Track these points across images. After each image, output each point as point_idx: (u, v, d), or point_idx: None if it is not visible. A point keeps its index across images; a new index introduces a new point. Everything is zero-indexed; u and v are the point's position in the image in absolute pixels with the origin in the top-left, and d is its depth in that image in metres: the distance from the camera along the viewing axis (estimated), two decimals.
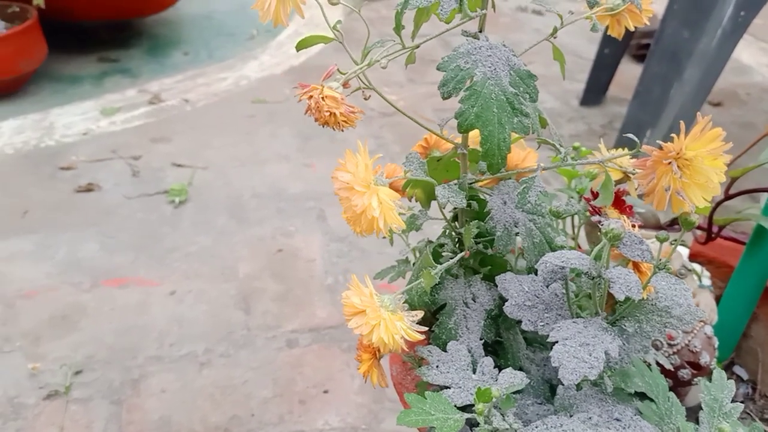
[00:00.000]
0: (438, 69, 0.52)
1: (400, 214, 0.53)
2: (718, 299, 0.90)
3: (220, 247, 1.53)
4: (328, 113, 0.49)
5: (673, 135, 0.48)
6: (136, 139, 1.91)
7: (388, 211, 0.52)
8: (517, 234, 0.57)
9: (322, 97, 0.49)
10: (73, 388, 1.18)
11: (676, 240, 0.55)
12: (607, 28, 0.62)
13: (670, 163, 0.48)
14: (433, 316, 0.61)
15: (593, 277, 0.49)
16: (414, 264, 0.67)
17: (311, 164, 1.86)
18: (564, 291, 0.56)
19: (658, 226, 0.91)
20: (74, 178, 1.73)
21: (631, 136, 0.50)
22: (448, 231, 0.62)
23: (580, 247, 0.68)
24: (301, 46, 0.59)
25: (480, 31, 0.54)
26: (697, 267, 0.88)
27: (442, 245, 0.65)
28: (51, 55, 2.16)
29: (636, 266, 0.54)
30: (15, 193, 1.67)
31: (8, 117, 1.98)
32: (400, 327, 0.52)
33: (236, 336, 1.31)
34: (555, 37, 0.65)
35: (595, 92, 2.23)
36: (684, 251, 0.94)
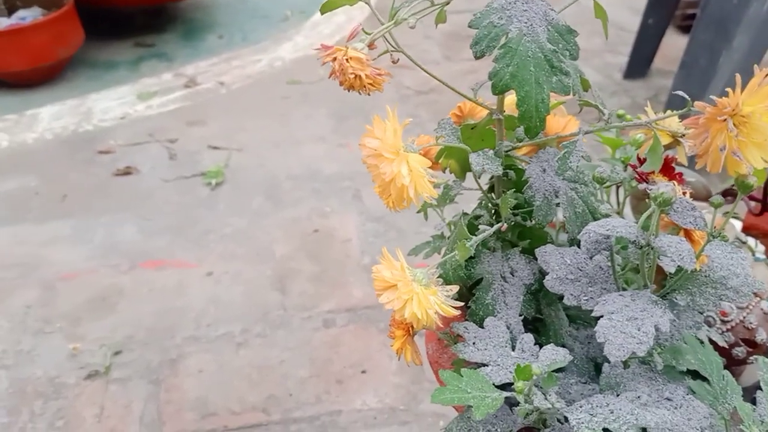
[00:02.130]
0: (470, 26, 0.49)
1: (431, 183, 0.50)
2: None
3: (256, 228, 1.53)
4: (353, 75, 0.46)
5: (728, 89, 0.43)
6: (173, 122, 1.92)
7: (418, 179, 0.49)
8: (557, 204, 0.54)
9: (347, 59, 0.46)
10: (112, 368, 1.19)
11: (730, 209, 0.51)
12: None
13: (725, 120, 0.44)
14: (469, 291, 0.58)
15: (641, 247, 0.45)
16: (449, 238, 0.64)
17: (346, 144, 1.84)
18: (609, 263, 0.52)
19: (708, 198, 0.86)
20: (112, 162, 1.74)
21: (681, 93, 0.46)
22: (484, 202, 0.59)
23: None
24: (325, 9, 0.56)
25: None
26: (750, 240, 0.83)
27: (477, 217, 0.62)
28: (87, 41, 2.18)
29: (688, 234, 0.50)
30: (54, 177, 1.69)
31: (47, 103, 2.01)
32: (434, 302, 0.50)
33: (272, 316, 1.30)
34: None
35: (639, 65, 2.14)
36: (737, 224, 0.89)
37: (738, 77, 0.43)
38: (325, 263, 1.43)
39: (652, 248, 0.45)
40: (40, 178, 1.69)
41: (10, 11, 2.05)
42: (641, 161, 0.59)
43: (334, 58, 0.47)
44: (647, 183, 0.57)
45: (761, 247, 0.85)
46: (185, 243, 1.48)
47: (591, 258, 0.50)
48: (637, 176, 0.56)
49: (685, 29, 2.43)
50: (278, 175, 1.71)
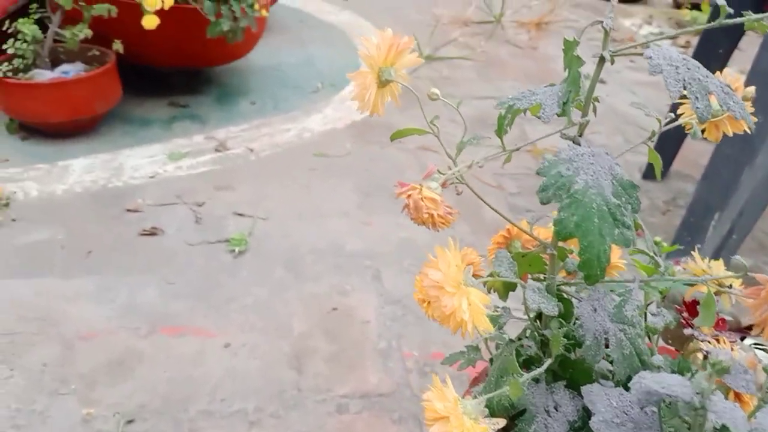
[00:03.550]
0: (538, 173, 0.51)
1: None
2: None
3: (276, 300, 1.54)
4: (427, 214, 0.49)
5: None
6: (201, 185, 1.95)
7: (477, 315, 0.50)
8: (606, 345, 0.55)
9: (422, 198, 0.49)
10: None
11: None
12: (677, 104, 0.62)
13: None
14: (511, 420, 0.59)
15: (695, 408, 0.46)
16: (491, 360, 0.65)
17: (370, 222, 1.86)
18: (655, 410, 0.53)
19: (739, 329, 0.87)
20: (139, 220, 1.77)
21: (739, 258, 0.48)
22: (531, 332, 0.60)
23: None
24: (395, 137, 0.59)
25: (580, 136, 0.54)
26: None
27: (521, 343, 0.63)
28: (124, 97, 2.24)
29: (738, 395, 0.51)
30: (81, 232, 1.72)
31: (80, 155, 2.06)
32: None
33: (287, 396, 1.29)
34: (653, 141, 0.64)
35: None
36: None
37: None
38: (342, 343, 1.43)
39: (706, 410, 0.46)
40: (67, 232, 1.71)
41: (54, 64, 2.12)
42: (687, 305, 0.60)
43: (409, 196, 0.49)
44: (692, 328, 0.59)
45: None
46: (206, 310, 1.49)
47: (642, 408, 0.51)
48: (683, 321, 0.58)
49: None
50: (301, 248, 1.73)
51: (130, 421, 1.21)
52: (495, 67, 3.07)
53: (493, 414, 0.56)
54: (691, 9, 4.00)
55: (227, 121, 2.34)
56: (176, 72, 2.52)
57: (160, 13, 1.94)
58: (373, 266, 1.68)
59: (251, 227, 1.78)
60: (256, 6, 2.18)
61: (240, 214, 1.84)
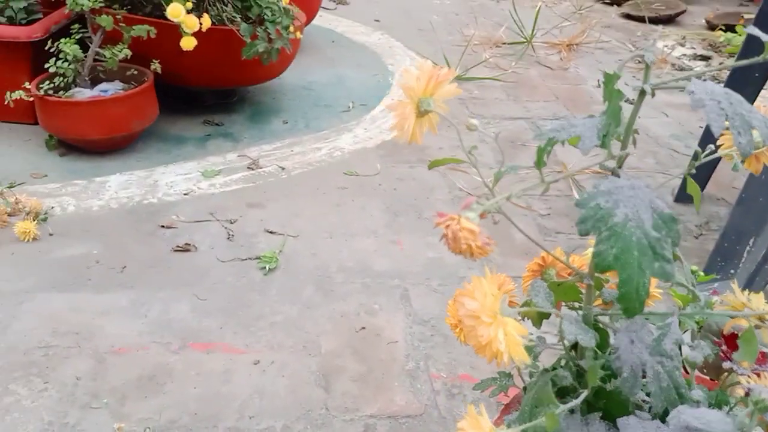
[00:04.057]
0: (576, 206, 0.51)
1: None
2: None
3: (305, 319, 1.54)
4: (465, 245, 0.49)
5: None
6: (233, 202, 1.98)
7: (513, 346, 0.50)
8: (643, 377, 0.55)
9: (460, 229, 0.49)
10: None
11: None
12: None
13: None
14: None
15: None
16: (524, 389, 0.65)
17: (398, 241, 1.87)
18: None
19: None
20: (173, 236, 1.80)
21: None
22: (566, 362, 0.60)
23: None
24: (433, 165, 0.60)
25: (619, 168, 0.54)
26: None
27: (555, 372, 0.63)
28: (160, 115, 2.29)
29: None
30: (116, 247, 1.75)
31: (116, 172, 2.10)
32: None
33: (314, 415, 1.30)
34: (694, 173, 0.63)
35: None
36: None
37: None
38: (370, 363, 1.43)
39: None
40: (102, 247, 1.75)
41: (93, 83, 2.18)
42: (726, 338, 0.59)
43: (448, 226, 0.50)
44: (731, 361, 0.58)
45: None
46: (236, 327, 1.50)
47: None
48: (722, 355, 0.57)
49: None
50: (330, 266, 1.74)
51: None
52: (525, 88, 3.07)
53: None
54: (725, 31, 3.96)
55: (260, 140, 2.38)
56: (210, 91, 2.56)
57: (197, 34, 1.98)
58: (402, 286, 1.68)
59: (282, 245, 1.80)
60: (291, 28, 2.22)
61: (271, 232, 1.86)
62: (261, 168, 2.18)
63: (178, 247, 1.75)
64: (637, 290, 0.49)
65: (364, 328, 1.54)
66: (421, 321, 1.57)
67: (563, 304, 0.67)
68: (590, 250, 0.67)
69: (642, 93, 0.51)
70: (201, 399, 1.31)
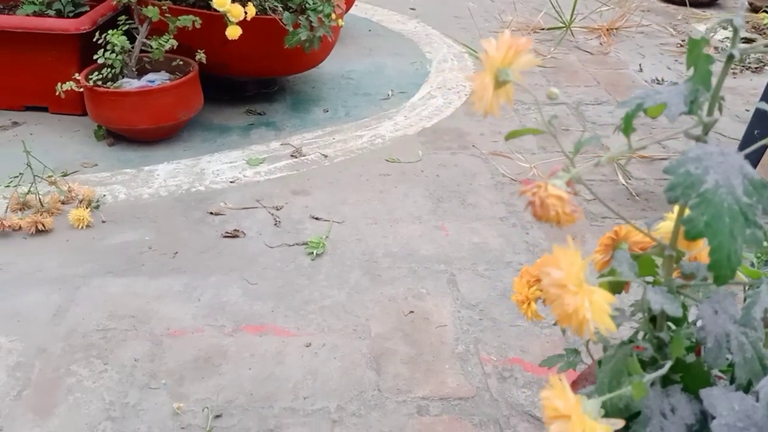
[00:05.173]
0: (665, 172, 0.51)
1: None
2: None
3: (354, 303, 1.56)
4: (554, 212, 0.49)
5: None
6: (279, 190, 2.00)
7: (600, 314, 0.50)
8: (728, 348, 0.54)
9: (548, 196, 0.49)
10: None
11: None
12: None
13: None
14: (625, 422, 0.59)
15: None
16: (599, 362, 0.64)
17: (442, 227, 1.87)
18: None
19: None
20: (221, 223, 1.83)
21: None
22: (645, 334, 0.60)
23: None
24: (510, 136, 0.60)
25: (705, 134, 0.53)
26: None
27: (631, 341, 0.63)
28: (204, 105, 2.32)
29: None
30: (167, 233, 1.78)
31: (163, 161, 2.14)
32: None
33: (367, 396, 1.31)
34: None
35: None
36: None
37: None
38: (420, 347, 1.44)
39: None
40: (154, 233, 1.78)
41: (140, 74, 2.21)
42: None
43: (534, 193, 0.50)
44: None
45: None
46: (286, 310, 1.52)
47: None
48: None
49: None
50: (376, 252, 1.75)
51: (218, 416, 1.25)
52: (565, 73, 3.04)
53: (607, 416, 0.55)
54: None
55: (302, 128, 2.40)
56: (252, 81, 2.59)
57: (242, 23, 2.00)
58: (448, 271, 1.68)
59: (327, 231, 1.81)
60: (333, 16, 2.23)
61: (316, 218, 1.87)
62: (304, 156, 2.20)
63: (227, 233, 1.78)
64: (728, 257, 0.49)
65: (412, 312, 1.54)
66: (469, 305, 1.57)
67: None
68: (664, 224, 0.67)
69: (730, 57, 0.51)
70: (256, 380, 1.33)
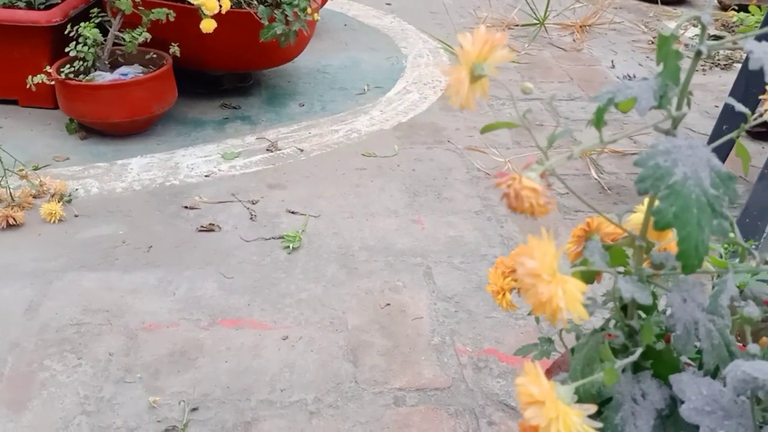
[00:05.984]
0: (635, 164, 0.52)
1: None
2: None
3: (330, 296, 1.56)
4: (528, 203, 0.50)
5: None
6: (254, 184, 2.00)
7: (573, 303, 0.52)
8: (696, 335, 0.56)
9: (522, 188, 0.50)
10: (189, 425, 1.21)
11: None
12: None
13: None
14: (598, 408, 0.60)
15: None
16: (572, 350, 0.66)
17: (418, 220, 1.88)
18: (746, 398, 0.54)
19: None
20: (196, 217, 1.82)
21: None
22: (616, 322, 0.62)
23: None
24: (486, 130, 0.61)
25: (674, 128, 0.55)
26: None
27: (602, 329, 0.65)
28: (178, 99, 2.29)
29: None
30: (141, 227, 1.77)
31: (137, 155, 2.12)
32: (578, 422, 0.52)
33: (344, 388, 1.32)
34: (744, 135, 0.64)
35: None
36: None
37: None
38: (396, 339, 1.45)
39: None
40: (128, 227, 1.77)
41: (113, 67, 2.19)
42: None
43: (509, 185, 0.51)
44: None
45: None
46: (263, 304, 1.52)
47: (738, 395, 0.52)
48: None
49: (756, 135, 2.45)
50: (353, 245, 1.76)
51: (194, 409, 1.25)
52: (539, 69, 3.07)
53: (580, 401, 0.57)
54: (738, 11, 3.93)
55: (277, 123, 2.39)
56: (227, 75, 2.57)
57: (216, 17, 1.99)
58: (424, 264, 1.70)
59: (304, 225, 1.81)
60: (309, 10, 2.22)
61: (293, 212, 1.87)
62: (280, 150, 2.20)
63: (202, 227, 1.77)
64: (696, 247, 0.51)
65: (389, 304, 1.55)
66: (445, 297, 1.58)
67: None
68: (635, 216, 0.68)
69: (698, 53, 0.52)
70: (232, 373, 1.33)
